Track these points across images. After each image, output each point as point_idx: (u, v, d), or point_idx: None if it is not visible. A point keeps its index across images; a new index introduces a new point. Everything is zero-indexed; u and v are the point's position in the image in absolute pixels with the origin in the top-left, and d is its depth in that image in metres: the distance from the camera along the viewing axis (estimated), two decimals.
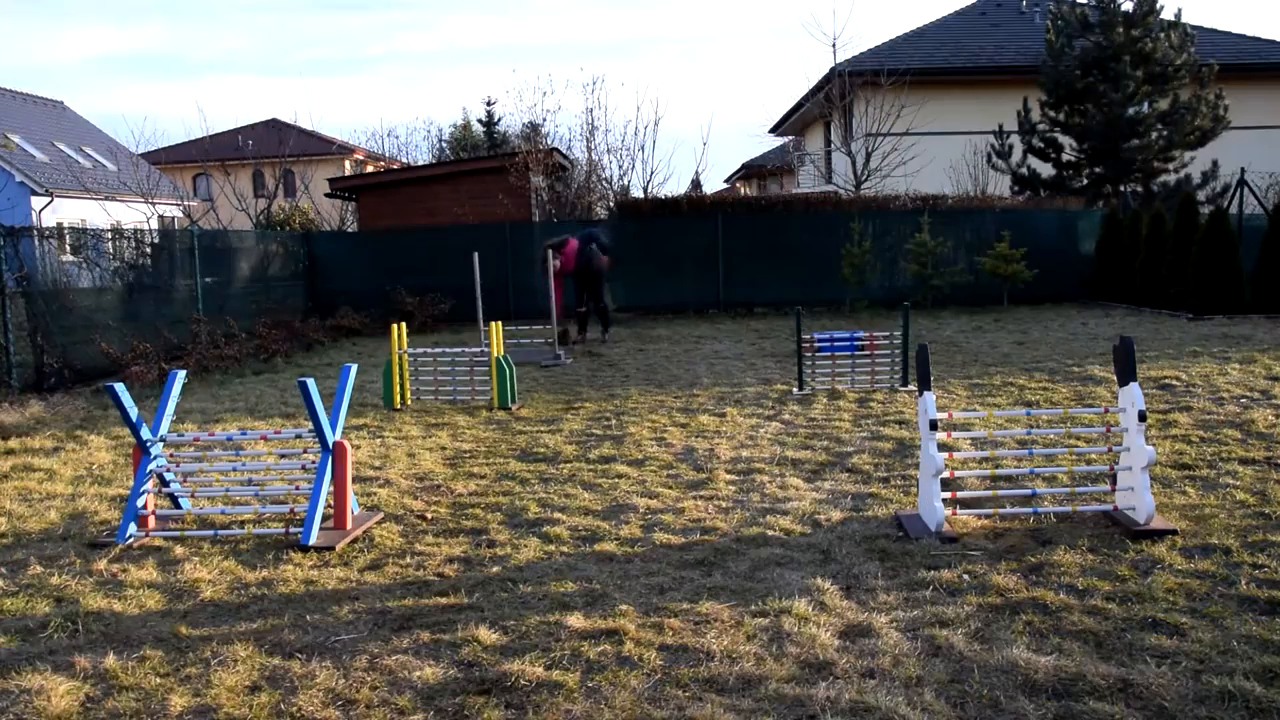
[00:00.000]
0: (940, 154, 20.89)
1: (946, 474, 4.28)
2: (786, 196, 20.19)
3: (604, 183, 20.92)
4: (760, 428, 6.34)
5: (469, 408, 7.43)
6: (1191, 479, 4.73)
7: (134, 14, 78.21)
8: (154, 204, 21.04)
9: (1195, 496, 4.42)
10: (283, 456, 4.92)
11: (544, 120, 26.64)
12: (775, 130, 30.86)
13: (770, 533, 4.11)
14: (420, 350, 7.78)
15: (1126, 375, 4.08)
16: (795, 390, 7.72)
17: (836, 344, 7.54)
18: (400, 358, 7.53)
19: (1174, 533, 3.86)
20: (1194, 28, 18.86)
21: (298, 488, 4.58)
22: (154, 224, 21.36)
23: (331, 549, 3.99)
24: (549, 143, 22.93)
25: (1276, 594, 3.23)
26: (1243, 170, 15.84)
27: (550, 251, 11.02)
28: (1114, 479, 4.18)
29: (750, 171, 40.37)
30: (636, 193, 20.72)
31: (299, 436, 4.53)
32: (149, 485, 4.27)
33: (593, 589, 3.50)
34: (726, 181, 45.01)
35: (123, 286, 10.92)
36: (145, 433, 4.27)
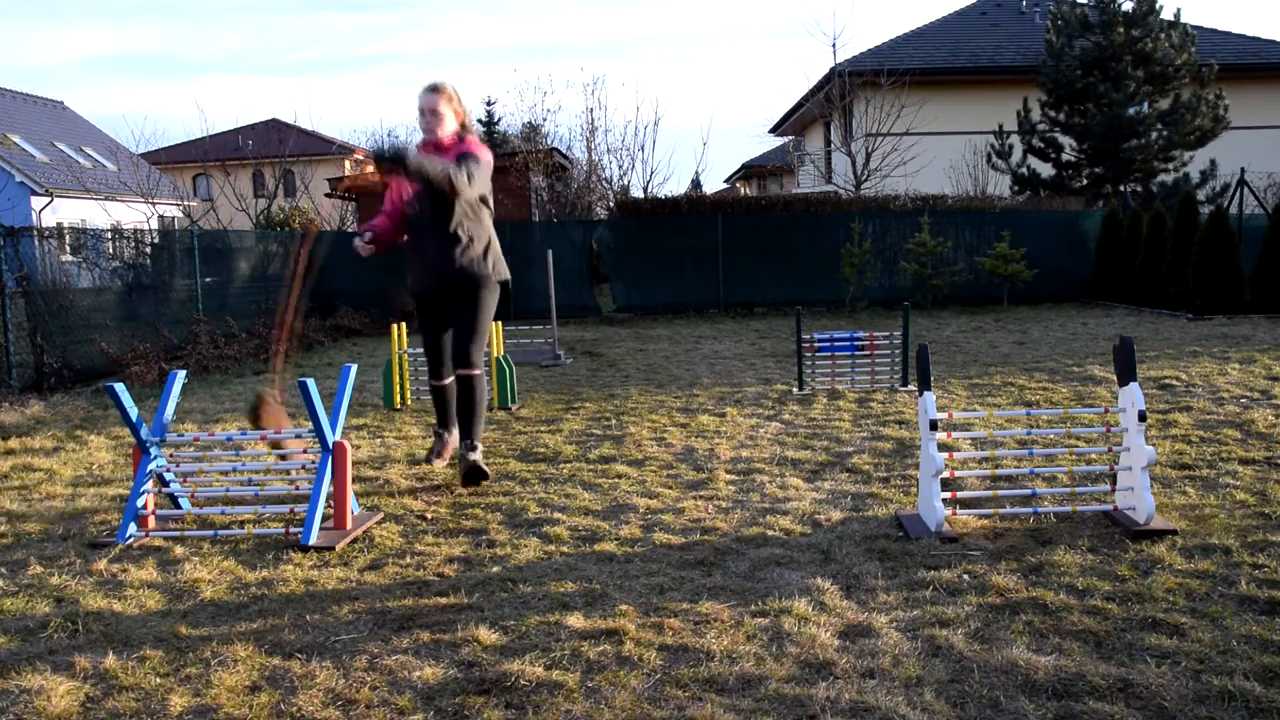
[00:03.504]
0: (940, 154, 20.91)
1: (946, 474, 4.28)
2: (786, 196, 20.19)
3: (604, 183, 20.94)
4: (760, 428, 6.34)
5: None
6: (1191, 479, 4.73)
7: (130, 14, 78.25)
8: (154, 204, 21.05)
9: (1195, 496, 4.42)
10: (282, 457, 4.92)
11: (544, 120, 26.62)
12: (775, 130, 30.88)
13: (770, 533, 4.11)
14: (420, 350, 7.77)
15: (1126, 375, 4.08)
16: (795, 390, 7.72)
17: (836, 344, 7.54)
18: (400, 358, 7.53)
19: (1174, 533, 3.86)
20: (1194, 28, 18.88)
21: (298, 488, 4.58)
22: (154, 224, 21.36)
23: (331, 549, 3.99)
24: (549, 143, 22.96)
25: (1276, 594, 3.23)
26: (1243, 170, 15.85)
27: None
28: (1114, 479, 4.18)
29: (750, 171, 40.41)
30: (636, 193, 20.72)
31: (299, 436, 4.53)
32: (149, 485, 4.27)
33: (593, 589, 3.50)
34: (726, 181, 45.05)
35: (123, 286, 10.92)
36: (145, 433, 4.27)
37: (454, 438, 5.21)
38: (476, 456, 5.02)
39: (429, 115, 5.05)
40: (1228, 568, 3.49)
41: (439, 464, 5.39)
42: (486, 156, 5.10)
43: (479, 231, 5.10)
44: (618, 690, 2.72)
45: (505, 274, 5.27)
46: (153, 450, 4.28)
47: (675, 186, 46.62)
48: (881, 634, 3.03)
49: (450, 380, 5.21)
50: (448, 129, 5.08)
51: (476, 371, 5.08)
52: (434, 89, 5.10)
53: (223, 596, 3.54)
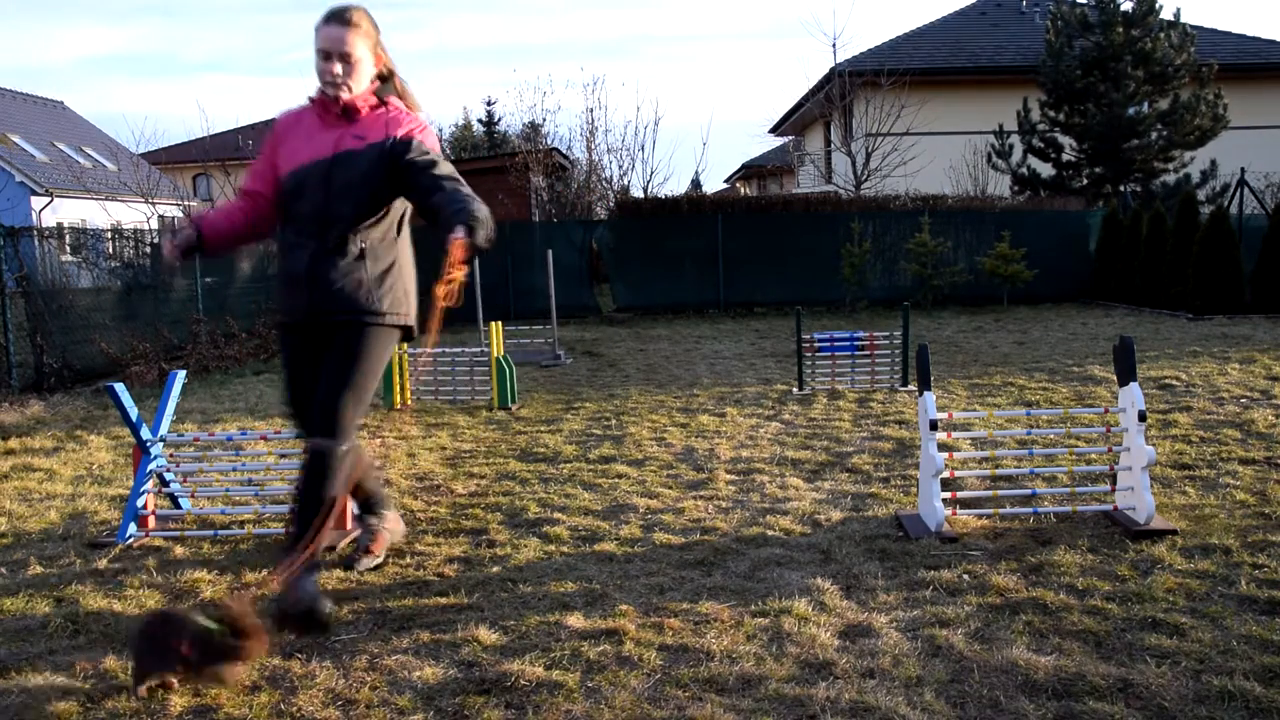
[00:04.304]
0: (940, 154, 20.90)
1: (946, 474, 4.28)
2: (786, 196, 20.20)
3: (604, 183, 20.95)
4: (760, 428, 6.34)
5: (469, 408, 7.43)
6: (1191, 479, 4.73)
7: (130, 14, 78.38)
8: (154, 204, 21.04)
9: (1195, 496, 4.42)
10: (283, 456, 4.92)
11: (544, 120, 26.69)
12: (775, 130, 30.88)
13: (770, 533, 4.11)
14: (420, 350, 7.78)
15: (1126, 375, 4.08)
16: (795, 390, 7.72)
17: (836, 344, 7.54)
18: (400, 358, 7.53)
19: (1174, 533, 3.86)
20: (1194, 28, 18.88)
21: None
22: (154, 224, 21.36)
23: (332, 549, 3.99)
24: (549, 143, 22.97)
25: (1276, 594, 3.23)
26: (1243, 170, 15.85)
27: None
28: (1114, 479, 4.18)
29: (750, 171, 40.41)
30: (636, 193, 20.73)
31: (299, 436, 4.53)
32: (149, 485, 4.27)
33: (593, 589, 3.50)
34: (726, 181, 45.04)
35: (122, 286, 10.92)
36: (145, 433, 4.27)
37: (390, 516, 3.81)
38: (306, 593, 3.07)
39: (337, 61, 3.16)
40: (1228, 568, 3.49)
41: (368, 562, 3.74)
42: (434, 139, 3.35)
43: (382, 248, 3.31)
44: (618, 690, 2.72)
45: (408, 316, 3.42)
46: (153, 450, 4.28)
47: (675, 186, 46.69)
48: (881, 634, 3.03)
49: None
50: (362, 83, 3.23)
51: (339, 445, 3.18)
52: (339, 17, 3.17)
53: (222, 596, 3.54)
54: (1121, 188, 18.21)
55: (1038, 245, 15.14)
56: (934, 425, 4.05)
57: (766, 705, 2.61)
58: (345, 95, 3.20)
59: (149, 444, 4.27)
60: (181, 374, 4.54)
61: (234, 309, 12.11)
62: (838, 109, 22.42)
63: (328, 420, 3.19)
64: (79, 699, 2.75)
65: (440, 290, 2.88)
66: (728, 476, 5.09)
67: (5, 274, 8.73)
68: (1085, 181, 18.71)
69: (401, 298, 3.38)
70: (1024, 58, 21.71)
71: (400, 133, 3.23)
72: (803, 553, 3.83)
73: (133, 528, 4.18)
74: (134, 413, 4.21)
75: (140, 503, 4.22)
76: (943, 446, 4.93)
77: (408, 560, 3.88)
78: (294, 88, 71.66)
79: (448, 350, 7.77)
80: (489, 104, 43.06)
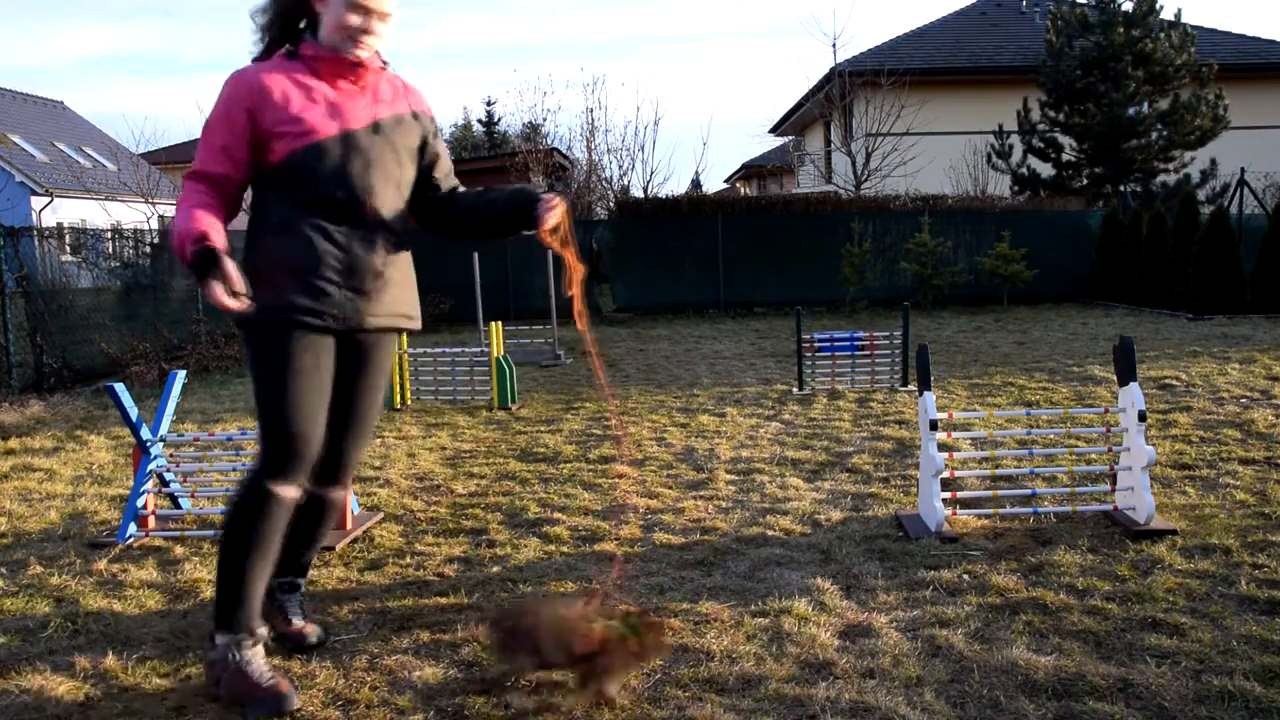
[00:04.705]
0: (940, 154, 20.90)
1: (946, 474, 4.28)
2: (786, 196, 20.20)
3: (604, 183, 20.94)
4: (760, 428, 6.34)
5: (469, 408, 7.43)
6: (1191, 479, 4.73)
7: (130, 14, 78.43)
8: (154, 204, 21.03)
9: (1195, 496, 4.42)
10: None
11: (544, 120, 26.69)
12: (775, 130, 30.88)
13: (770, 533, 4.11)
14: (420, 350, 7.78)
15: (1126, 375, 4.08)
16: (795, 390, 7.72)
17: (836, 344, 7.54)
18: (400, 358, 7.53)
19: (1174, 533, 3.86)
20: (1194, 28, 18.89)
21: None
22: (154, 224, 21.35)
23: (331, 549, 3.99)
24: (549, 143, 22.97)
25: (1276, 594, 3.23)
26: (1243, 170, 15.85)
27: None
28: (1114, 479, 4.18)
29: (750, 171, 40.41)
30: (636, 193, 20.74)
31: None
32: (149, 485, 4.27)
33: (593, 589, 3.49)
34: (726, 181, 45.05)
35: (122, 286, 10.93)
36: (145, 433, 4.27)
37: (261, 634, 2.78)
38: (302, 625, 3.05)
39: (377, 19, 2.69)
40: (1228, 568, 3.49)
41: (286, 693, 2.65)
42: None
43: (406, 240, 2.93)
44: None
45: (419, 321, 2.99)
46: (153, 450, 4.28)
47: (675, 186, 46.68)
48: (881, 634, 3.03)
49: (299, 492, 2.87)
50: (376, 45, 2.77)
51: (345, 492, 3.15)
52: None
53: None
54: (1121, 188, 18.21)
55: (1038, 245, 15.14)
56: (934, 425, 4.05)
57: (766, 705, 2.61)
58: (366, 57, 2.74)
59: (149, 444, 4.27)
60: (181, 374, 4.54)
61: None
62: (838, 109, 22.42)
63: (347, 469, 2.97)
64: (79, 699, 2.75)
65: (574, 264, 2.81)
66: (728, 476, 5.09)
67: (5, 274, 8.73)
68: (1085, 181, 18.71)
69: (416, 302, 3.00)
70: (1024, 58, 21.70)
71: (428, 109, 2.92)
72: (803, 553, 3.83)
73: (133, 528, 4.18)
74: (134, 413, 4.21)
75: (140, 503, 4.22)
76: (943, 446, 4.93)
77: (408, 560, 3.88)
78: None
79: (448, 350, 7.78)
80: (489, 104, 43.19)
